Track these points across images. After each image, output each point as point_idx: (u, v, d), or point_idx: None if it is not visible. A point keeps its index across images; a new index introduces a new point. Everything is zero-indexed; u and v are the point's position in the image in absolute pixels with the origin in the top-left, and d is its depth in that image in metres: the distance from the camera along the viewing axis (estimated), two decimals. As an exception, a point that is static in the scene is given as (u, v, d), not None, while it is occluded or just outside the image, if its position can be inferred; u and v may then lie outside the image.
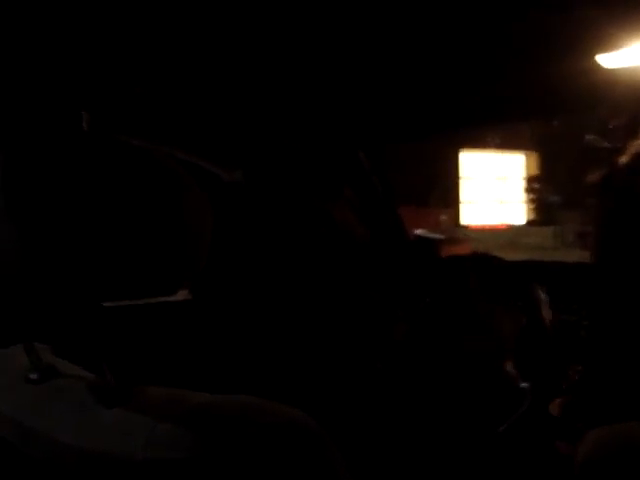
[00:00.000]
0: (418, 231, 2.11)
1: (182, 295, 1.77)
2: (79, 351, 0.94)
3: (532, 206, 21.90)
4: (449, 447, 1.39)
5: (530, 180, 21.93)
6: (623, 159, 1.18)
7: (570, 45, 1.33)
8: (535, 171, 21.81)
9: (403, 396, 1.33)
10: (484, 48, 1.39)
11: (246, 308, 1.60)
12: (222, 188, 2.10)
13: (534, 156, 21.73)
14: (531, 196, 21.89)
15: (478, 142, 19.69)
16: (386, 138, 2.34)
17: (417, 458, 1.31)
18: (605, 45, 1.32)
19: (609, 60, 1.40)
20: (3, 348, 1.07)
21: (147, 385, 0.90)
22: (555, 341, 1.82)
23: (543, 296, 1.86)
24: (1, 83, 1.44)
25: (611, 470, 0.86)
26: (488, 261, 2.00)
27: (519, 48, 1.39)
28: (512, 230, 20.58)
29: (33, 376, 0.95)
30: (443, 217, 16.66)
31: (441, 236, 2.00)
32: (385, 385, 1.35)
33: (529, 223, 21.56)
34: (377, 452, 1.27)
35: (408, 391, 1.34)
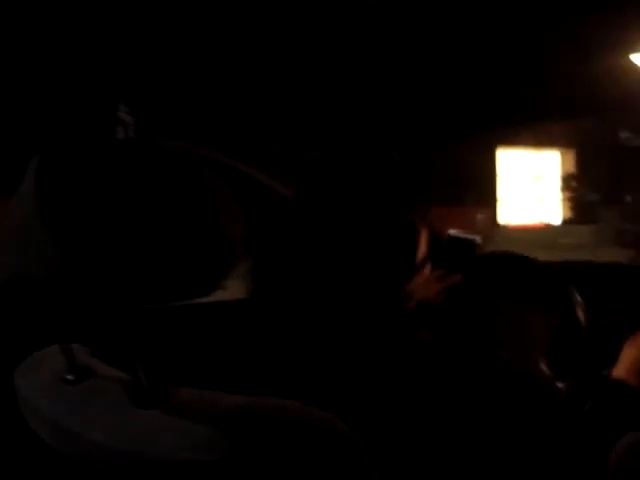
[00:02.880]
0: (452, 231, 2.08)
1: (219, 296, 1.79)
2: (116, 353, 0.96)
3: (570, 204, 21.78)
4: (483, 449, 1.38)
5: (567, 178, 21.87)
6: None
7: (604, 45, 1.31)
8: (572, 169, 21.65)
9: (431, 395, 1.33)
10: (520, 50, 1.38)
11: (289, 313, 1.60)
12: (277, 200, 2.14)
13: (570, 154, 21.57)
14: (568, 194, 21.82)
15: (515, 140, 19.57)
16: (423, 139, 2.34)
17: (448, 458, 1.31)
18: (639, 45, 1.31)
19: (644, 59, 1.38)
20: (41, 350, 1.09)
21: (182, 387, 0.91)
22: (590, 343, 1.80)
23: (578, 297, 1.84)
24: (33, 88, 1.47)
25: None
26: (521, 261, 1.98)
27: (554, 49, 1.38)
28: (550, 229, 20.59)
29: (69, 377, 0.96)
30: (480, 216, 16.58)
31: (476, 236, 1.98)
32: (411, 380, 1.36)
33: (567, 222, 21.47)
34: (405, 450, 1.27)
35: (436, 390, 1.34)
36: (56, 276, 0.82)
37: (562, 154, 22.32)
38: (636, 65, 1.89)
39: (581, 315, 1.79)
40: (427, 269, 1.54)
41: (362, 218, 1.34)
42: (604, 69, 1.85)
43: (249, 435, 0.76)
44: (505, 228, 20.15)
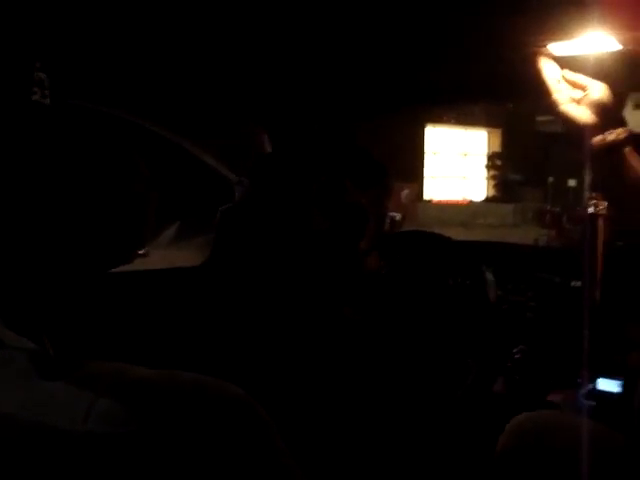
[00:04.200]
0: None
1: (142, 265, 1.77)
2: (27, 322, 0.94)
3: (494, 183, 22.14)
4: (394, 417, 1.42)
5: (492, 157, 22.18)
6: None
7: (523, 33, 1.35)
8: (497, 148, 22.01)
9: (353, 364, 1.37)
10: (440, 32, 1.40)
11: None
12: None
13: (496, 133, 21.91)
14: (492, 173, 22.15)
15: (443, 118, 19.77)
16: (351, 115, 2.35)
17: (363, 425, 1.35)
18: (557, 34, 1.34)
19: (560, 48, 1.42)
20: None
21: (93, 358, 0.90)
22: (500, 321, 1.86)
23: (490, 276, 1.89)
24: None
25: (526, 458, 0.88)
26: (436, 240, 2.02)
27: (474, 33, 1.41)
28: (474, 206, 20.88)
29: (-24, 347, 0.94)
30: (406, 191, 16.77)
31: (396, 214, 2.02)
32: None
33: (490, 200, 21.83)
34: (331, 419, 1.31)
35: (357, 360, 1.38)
36: None
37: (489, 133, 22.70)
38: (553, 54, 1.99)
39: (492, 294, 1.84)
40: (374, 260, 1.56)
41: (304, 196, 1.37)
42: (525, 55, 1.93)
43: (153, 407, 0.77)
44: (430, 203, 20.45)
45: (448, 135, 22.53)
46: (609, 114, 1.35)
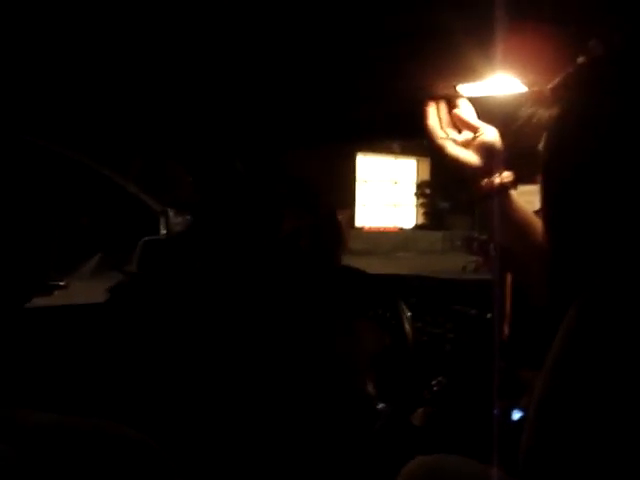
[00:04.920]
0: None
1: (67, 299, 1.73)
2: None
3: (423, 210, 22.43)
4: (297, 463, 1.42)
5: (421, 185, 22.47)
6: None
7: (432, 74, 1.37)
8: (426, 176, 22.33)
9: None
10: (346, 72, 1.42)
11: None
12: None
13: (425, 162, 22.25)
14: (422, 201, 22.43)
15: (374, 146, 19.97)
16: (282, 145, 2.36)
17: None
18: (465, 75, 1.37)
19: (469, 89, 1.45)
20: None
21: None
22: (417, 354, 1.87)
23: (406, 311, 1.91)
24: None
25: None
26: (353, 274, 2.03)
27: (384, 73, 1.43)
28: (404, 233, 21.08)
29: None
30: (337, 218, 16.78)
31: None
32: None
33: (420, 227, 22.09)
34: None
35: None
36: None
37: (418, 162, 23.03)
38: (462, 95, 2.06)
39: (408, 328, 1.85)
40: None
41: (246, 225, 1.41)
42: (432, 97, 1.99)
43: (48, 454, 0.76)
44: (361, 230, 20.61)
45: (378, 163, 22.78)
46: (498, 157, 1.35)
